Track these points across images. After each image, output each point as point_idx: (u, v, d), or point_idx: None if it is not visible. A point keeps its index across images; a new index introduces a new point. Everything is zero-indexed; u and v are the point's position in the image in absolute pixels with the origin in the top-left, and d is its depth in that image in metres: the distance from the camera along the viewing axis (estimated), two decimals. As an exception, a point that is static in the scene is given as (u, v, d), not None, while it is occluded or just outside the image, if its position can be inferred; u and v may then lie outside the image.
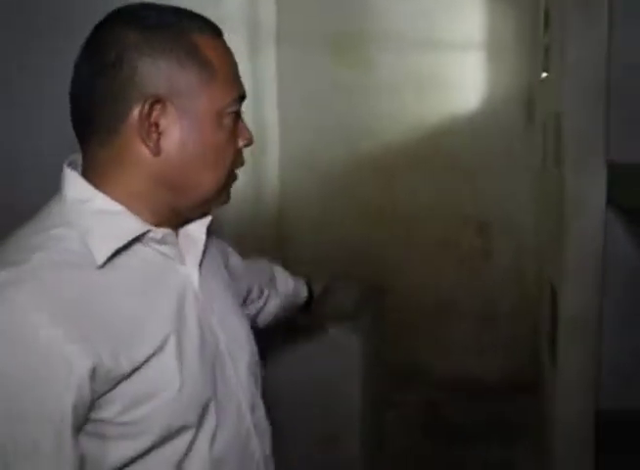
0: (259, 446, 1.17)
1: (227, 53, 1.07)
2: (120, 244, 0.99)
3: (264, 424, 1.21)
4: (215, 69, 1.02)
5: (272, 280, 1.68)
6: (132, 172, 1.01)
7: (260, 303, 1.62)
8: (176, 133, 1.01)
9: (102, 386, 0.92)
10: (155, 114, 0.99)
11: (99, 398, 0.93)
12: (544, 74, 3.31)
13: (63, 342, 0.88)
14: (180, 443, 1.02)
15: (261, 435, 1.18)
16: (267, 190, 3.49)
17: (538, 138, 3.47)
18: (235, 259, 1.44)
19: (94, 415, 0.94)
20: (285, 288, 1.72)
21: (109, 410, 0.94)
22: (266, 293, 1.64)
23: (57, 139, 1.99)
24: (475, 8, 3.67)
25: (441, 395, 3.57)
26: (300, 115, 3.66)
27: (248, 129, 1.10)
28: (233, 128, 1.06)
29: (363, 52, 3.70)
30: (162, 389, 0.99)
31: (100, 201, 1.00)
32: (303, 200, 3.67)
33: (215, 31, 1.06)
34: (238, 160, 1.10)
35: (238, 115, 1.07)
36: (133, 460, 0.98)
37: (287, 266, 1.81)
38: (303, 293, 1.83)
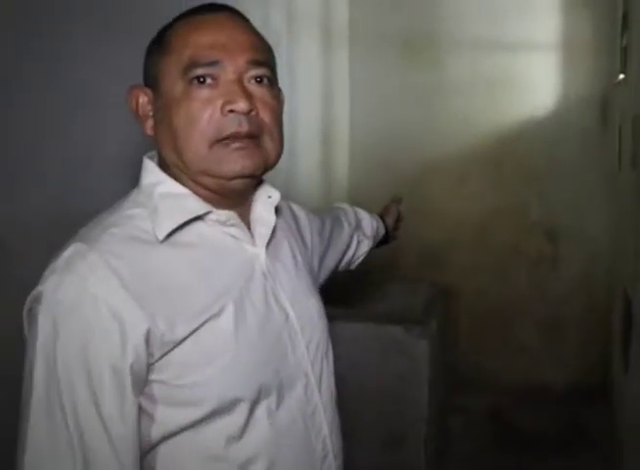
0: (327, 423, 1.17)
1: (196, 25, 1.06)
2: (180, 222, 1.04)
3: (332, 402, 1.21)
4: (169, 43, 1.06)
5: (359, 226, 1.72)
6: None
7: (351, 250, 1.68)
8: (156, 115, 1.08)
9: (157, 350, 0.98)
10: (140, 101, 1.09)
11: (156, 361, 0.99)
12: (621, 76, 3.24)
13: (122, 309, 0.96)
14: (236, 416, 1.03)
15: (329, 412, 1.19)
16: (336, 189, 3.50)
17: (613, 141, 3.40)
18: (316, 225, 1.45)
19: (153, 377, 1.00)
20: (371, 230, 1.78)
21: (166, 373, 1.00)
22: (355, 240, 1.69)
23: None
24: (549, 9, 3.63)
25: (507, 401, 3.53)
26: (371, 114, 3.67)
27: (231, 89, 1.03)
28: (206, 93, 1.03)
29: (434, 53, 3.68)
30: (218, 355, 1.02)
31: (168, 184, 1.08)
32: (372, 200, 3.63)
33: (201, 11, 1.09)
34: (222, 127, 1.03)
35: (209, 79, 1.03)
36: (189, 428, 1.02)
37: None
38: (382, 229, 1.87)
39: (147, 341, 0.97)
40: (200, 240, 1.07)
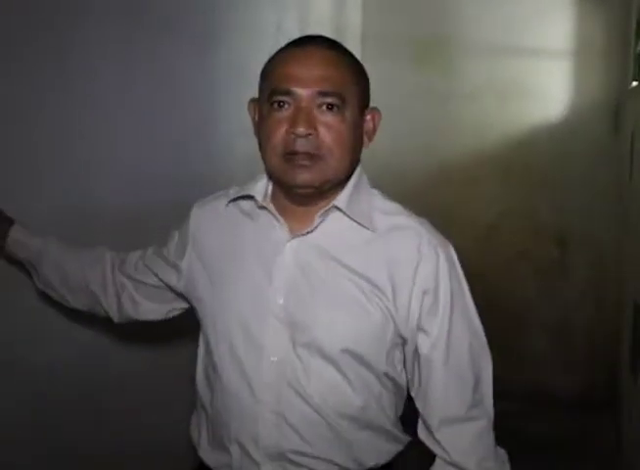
0: (268, 404, 1.32)
1: (284, 57, 1.30)
2: (236, 195, 1.40)
3: (305, 419, 1.32)
4: (267, 70, 1.31)
5: None
6: None
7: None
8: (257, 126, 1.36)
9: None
10: (255, 113, 1.36)
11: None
12: (634, 83, 3.23)
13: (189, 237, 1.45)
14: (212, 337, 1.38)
15: (283, 400, 1.31)
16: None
17: (625, 149, 3.38)
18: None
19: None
20: None
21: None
22: None
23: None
24: (563, 15, 3.62)
25: (514, 407, 3.51)
26: (382, 118, 3.64)
27: (294, 116, 1.25)
28: (282, 115, 1.26)
29: (446, 58, 3.68)
30: (205, 299, 1.40)
31: (263, 174, 1.39)
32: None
33: (297, 41, 1.32)
34: (287, 142, 1.25)
35: (285, 104, 1.26)
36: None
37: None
38: None
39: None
40: (246, 213, 1.40)
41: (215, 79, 2.34)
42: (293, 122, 1.24)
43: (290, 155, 1.25)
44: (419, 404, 1.35)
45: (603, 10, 3.57)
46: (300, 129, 1.23)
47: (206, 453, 1.41)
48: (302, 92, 1.25)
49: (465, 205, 3.76)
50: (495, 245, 3.76)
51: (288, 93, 1.25)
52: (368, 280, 1.30)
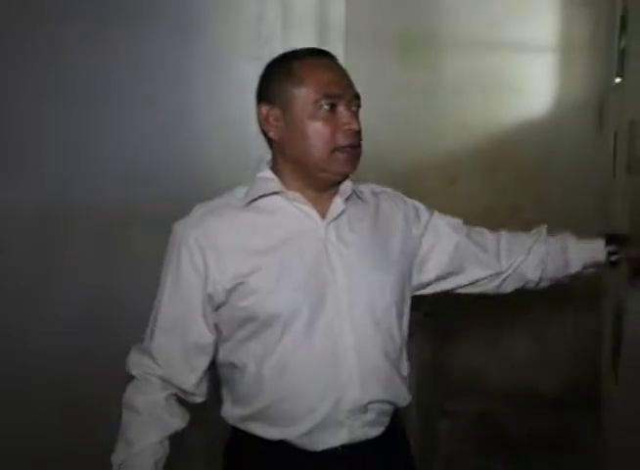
0: (358, 368, 1.52)
1: (319, 67, 1.51)
2: (257, 195, 1.54)
3: (377, 355, 1.55)
4: (302, 78, 1.50)
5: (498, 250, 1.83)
6: (273, 153, 1.60)
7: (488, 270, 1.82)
8: (285, 126, 1.52)
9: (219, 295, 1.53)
10: (270, 116, 1.54)
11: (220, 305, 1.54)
12: (618, 80, 3.22)
13: (201, 258, 1.51)
14: (275, 329, 1.49)
15: (370, 361, 1.54)
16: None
17: (609, 146, 3.37)
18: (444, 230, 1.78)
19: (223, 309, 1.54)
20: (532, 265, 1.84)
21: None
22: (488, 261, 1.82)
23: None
24: (547, 10, 3.60)
25: (497, 406, 3.51)
26: (365, 112, 3.60)
27: (346, 115, 1.50)
28: (329, 116, 1.49)
29: (430, 52, 3.65)
30: (261, 289, 1.49)
31: (265, 173, 1.59)
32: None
33: (315, 53, 1.55)
34: (338, 138, 1.49)
35: (333, 106, 1.49)
36: (247, 339, 1.52)
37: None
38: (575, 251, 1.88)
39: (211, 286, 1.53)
40: (273, 209, 1.54)
41: (194, 71, 2.31)
42: (347, 121, 1.49)
43: (344, 148, 1.50)
44: (496, 264, 1.78)
45: (588, 6, 3.56)
46: (355, 126, 1.50)
47: (268, 430, 1.54)
48: (345, 95, 1.50)
49: (448, 200, 3.73)
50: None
51: (334, 97, 1.49)
52: (384, 244, 1.63)
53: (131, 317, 1.71)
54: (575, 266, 1.85)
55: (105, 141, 1.89)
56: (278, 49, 2.89)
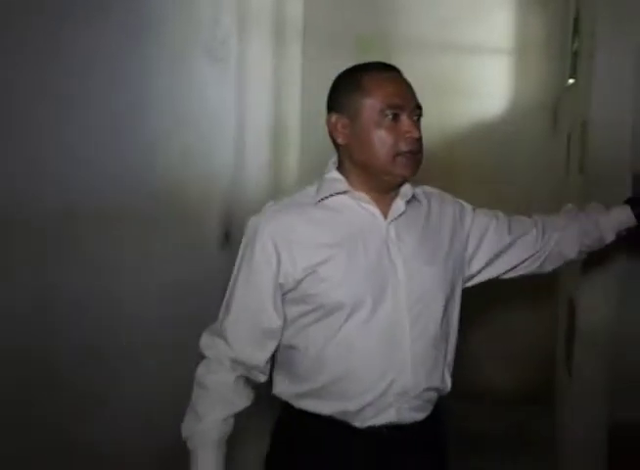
0: (411, 354, 1.66)
1: (385, 80, 1.66)
2: (327, 194, 1.67)
3: (427, 343, 1.69)
4: (370, 90, 1.64)
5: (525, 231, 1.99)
6: (340, 157, 1.73)
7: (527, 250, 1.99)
8: (353, 133, 1.66)
9: (290, 283, 1.65)
10: (339, 124, 1.68)
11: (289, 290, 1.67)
12: (571, 81, 3.27)
13: (273, 251, 1.64)
14: (339, 317, 1.63)
15: (420, 347, 1.68)
16: (286, 189, 3.47)
17: (563, 146, 3.42)
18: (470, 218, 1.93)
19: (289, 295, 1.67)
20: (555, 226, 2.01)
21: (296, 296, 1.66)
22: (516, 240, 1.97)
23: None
24: (502, 13, 3.65)
25: (455, 403, 3.53)
26: (322, 113, 3.59)
27: (408, 124, 1.62)
28: (392, 124, 1.62)
29: (386, 54, 3.65)
30: (330, 279, 1.62)
31: (333, 174, 1.72)
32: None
33: (382, 67, 1.69)
34: (400, 144, 1.62)
35: (396, 116, 1.62)
36: (311, 324, 1.66)
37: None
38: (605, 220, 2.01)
39: (283, 276, 1.66)
40: (340, 207, 1.68)
41: (150, 72, 2.28)
42: (408, 129, 1.62)
43: (406, 154, 1.63)
44: (536, 245, 1.96)
45: (542, 8, 3.61)
46: (416, 134, 1.63)
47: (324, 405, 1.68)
48: (407, 106, 1.64)
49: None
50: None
51: (397, 107, 1.63)
52: (439, 241, 1.77)
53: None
54: (610, 237, 2.00)
55: (55, 141, 1.87)
56: (234, 49, 2.89)
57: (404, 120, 1.64)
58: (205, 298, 2.66)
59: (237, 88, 2.94)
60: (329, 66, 3.65)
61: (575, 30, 3.18)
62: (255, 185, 3.16)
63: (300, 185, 3.57)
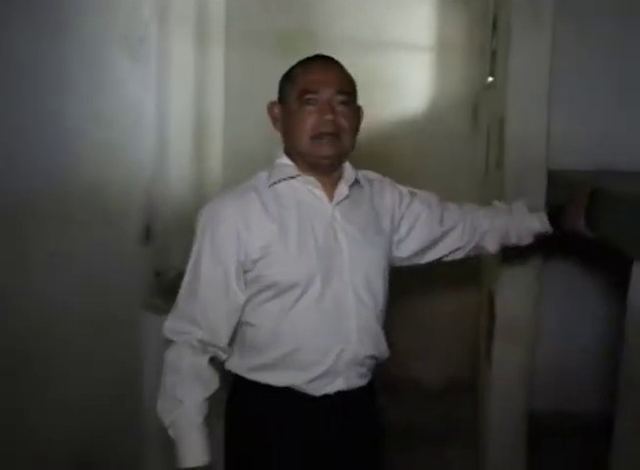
0: (356, 327, 1.82)
1: (307, 68, 1.83)
2: (277, 179, 1.82)
3: (366, 326, 1.85)
4: (294, 78, 1.81)
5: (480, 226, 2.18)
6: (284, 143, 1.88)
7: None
8: (283, 120, 1.84)
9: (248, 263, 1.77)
10: (276, 111, 1.87)
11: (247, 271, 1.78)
12: (490, 79, 3.33)
13: (234, 229, 1.75)
14: (292, 294, 1.76)
15: (361, 330, 1.83)
16: (209, 184, 3.45)
17: (483, 142, 3.47)
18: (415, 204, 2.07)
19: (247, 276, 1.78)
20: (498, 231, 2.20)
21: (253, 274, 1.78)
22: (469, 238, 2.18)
23: None
24: (424, 10, 3.67)
25: (380, 398, 3.57)
26: (245, 110, 3.60)
27: (323, 107, 1.76)
28: (311, 109, 1.76)
29: (308, 51, 3.64)
30: (284, 260, 1.75)
31: (283, 159, 1.86)
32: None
33: (314, 58, 1.88)
34: (316, 126, 1.75)
35: (315, 100, 1.76)
36: (266, 301, 1.78)
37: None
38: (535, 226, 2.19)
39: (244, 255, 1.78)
40: (290, 192, 1.82)
41: (67, 70, 2.23)
42: (322, 113, 1.75)
43: (322, 134, 1.75)
44: (460, 241, 2.14)
45: (464, 6, 3.65)
46: (329, 116, 1.75)
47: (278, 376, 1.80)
48: (325, 92, 1.76)
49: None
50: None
51: (314, 92, 1.76)
52: (377, 224, 1.92)
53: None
54: (528, 240, 2.19)
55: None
56: (153, 47, 2.86)
57: (321, 104, 1.76)
58: (127, 294, 2.65)
59: (156, 83, 2.91)
60: (252, 64, 3.69)
61: (494, 28, 3.23)
62: (178, 179, 3.14)
63: (225, 180, 3.62)
